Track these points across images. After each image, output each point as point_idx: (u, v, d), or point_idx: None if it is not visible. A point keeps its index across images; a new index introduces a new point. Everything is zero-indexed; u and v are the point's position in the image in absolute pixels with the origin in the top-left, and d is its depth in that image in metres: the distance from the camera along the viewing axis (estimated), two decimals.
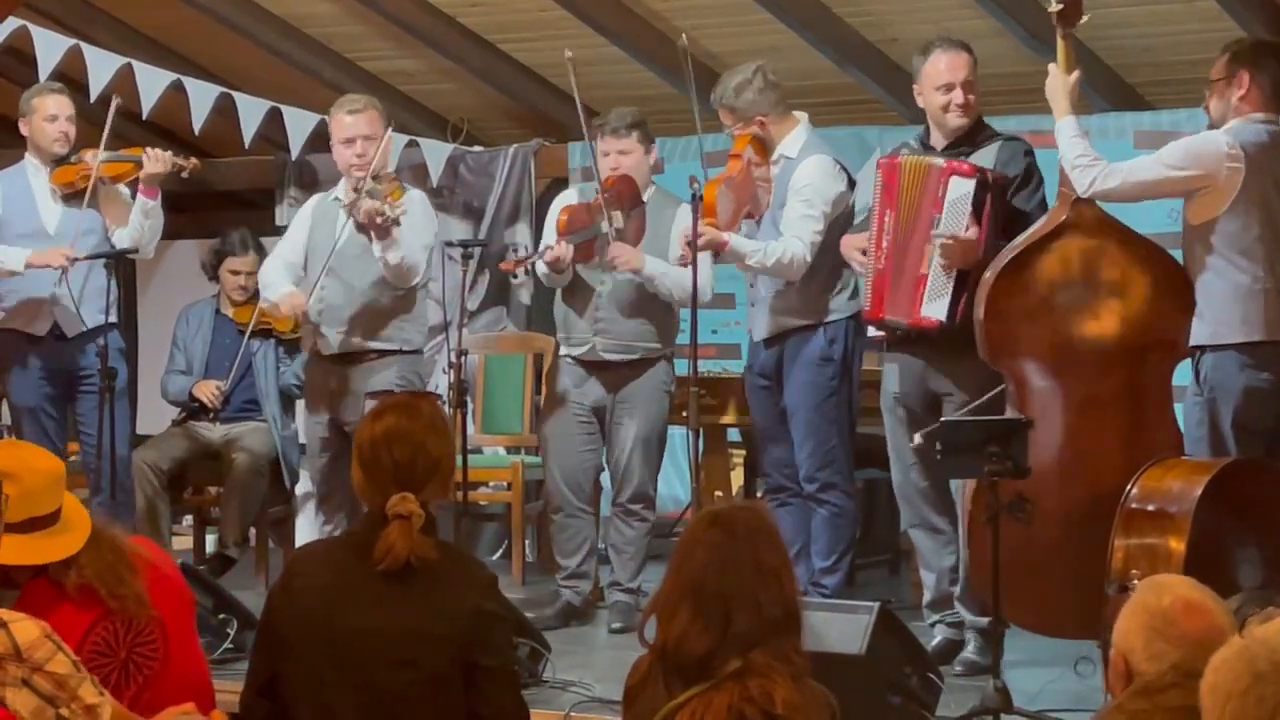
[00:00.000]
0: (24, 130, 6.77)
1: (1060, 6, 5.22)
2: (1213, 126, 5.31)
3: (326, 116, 6.69)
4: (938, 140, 5.65)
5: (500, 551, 8.23)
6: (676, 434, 6.78)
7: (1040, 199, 5.55)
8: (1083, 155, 5.19)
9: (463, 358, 6.30)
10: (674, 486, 8.03)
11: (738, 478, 7.71)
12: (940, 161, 5.52)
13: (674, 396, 6.37)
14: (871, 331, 5.81)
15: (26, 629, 3.13)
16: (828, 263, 5.93)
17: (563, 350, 6.43)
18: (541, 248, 6.23)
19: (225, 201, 9.83)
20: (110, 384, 6.47)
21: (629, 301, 6.25)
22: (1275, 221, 5.15)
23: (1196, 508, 4.74)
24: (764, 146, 5.99)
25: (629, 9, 8.01)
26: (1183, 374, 5.38)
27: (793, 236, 5.86)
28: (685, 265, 5.94)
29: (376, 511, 3.57)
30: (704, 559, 3.07)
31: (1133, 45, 7.48)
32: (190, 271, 8.36)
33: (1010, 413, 5.22)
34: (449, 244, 7.02)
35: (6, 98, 8.10)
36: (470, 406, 7.15)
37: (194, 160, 6.84)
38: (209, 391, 7.23)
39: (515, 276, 6.49)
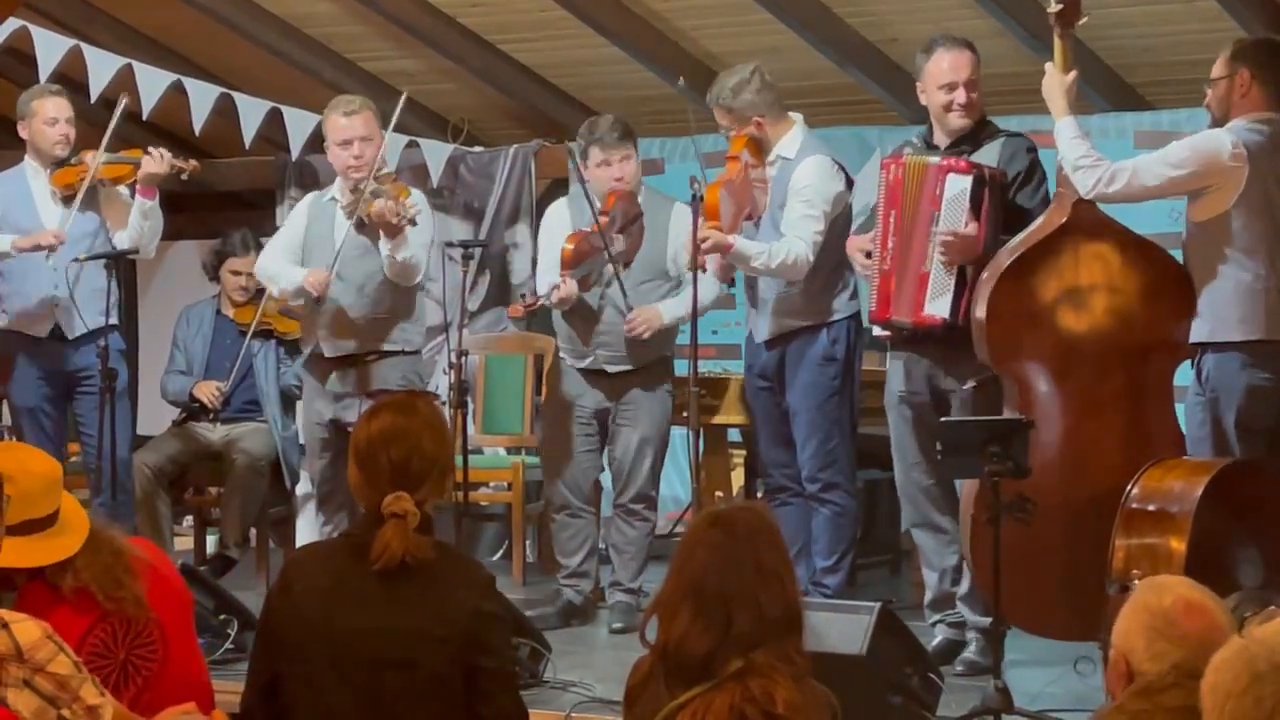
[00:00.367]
0: (23, 133, 6.75)
1: (1059, 7, 5.21)
2: (1215, 125, 5.30)
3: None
4: (941, 139, 5.65)
5: (501, 552, 8.23)
6: (677, 434, 6.78)
7: (1044, 195, 5.55)
8: (1084, 157, 5.18)
9: (463, 358, 6.30)
10: (675, 487, 8.03)
11: (738, 478, 7.71)
12: (936, 159, 5.52)
13: (674, 397, 6.38)
14: (877, 331, 5.82)
15: (28, 630, 3.13)
16: (829, 263, 5.93)
17: (564, 356, 6.43)
18: (548, 288, 6.20)
19: (226, 202, 9.84)
20: (111, 385, 6.47)
21: (624, 321, 6.25)
22: (1277, 220, 5.15)
23: (1197, 508, 4.74)
24: (760, 148, 5.99)
25: (629, 9, 8.01)
26: (1184, 374, 5.38)
27: (795, 237, 5.86)
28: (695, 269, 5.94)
29: (373, 511, 3.57)
30: (705, 559, 3.07)
31: (1133, 45, 7.48)
32: (191, 272, 8.37)
33: (1010, 413, 5.22)
34: (449, 244, 7.01)
35: (6, 98, 8.10)
36: (471, 407, 7.15)
37: (193, 162, 6.84)
38: (209, 392, 7.23)
39: (523, 321, 6.44)
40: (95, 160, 6.63)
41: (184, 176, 6.80)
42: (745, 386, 6.32)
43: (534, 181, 8.95)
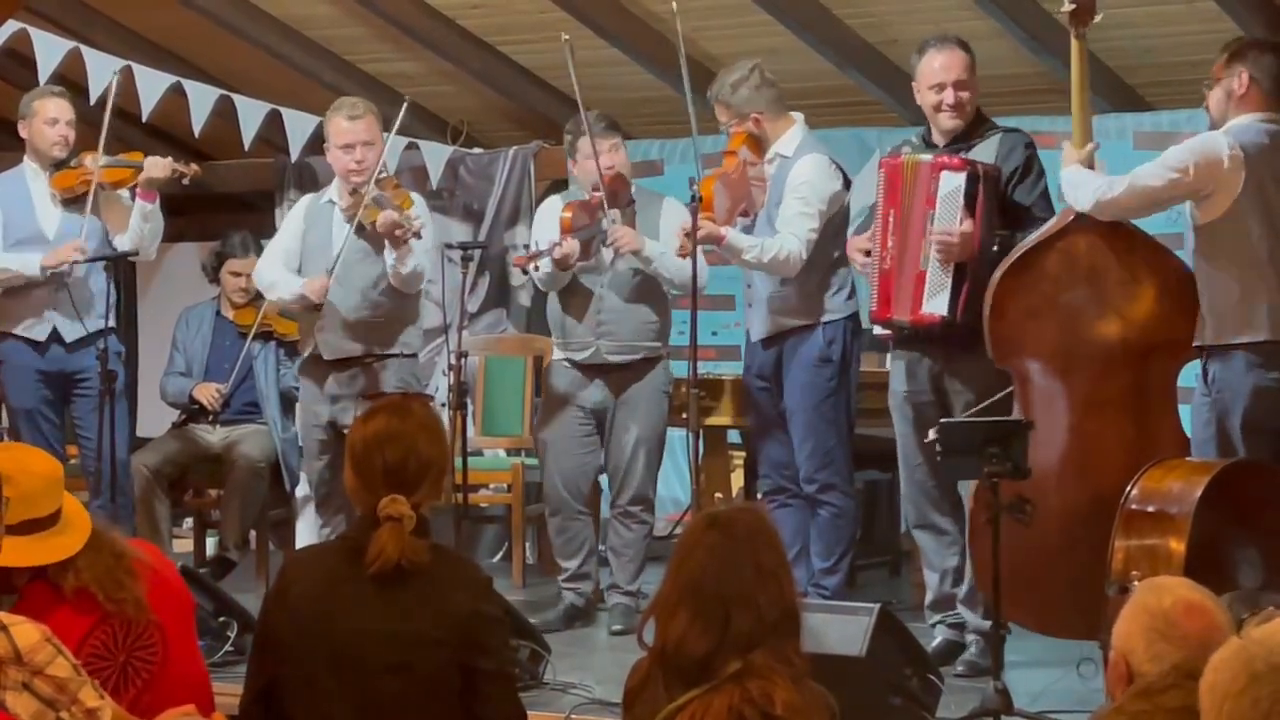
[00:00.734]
0: (23, 133, 6.76)
1: (1072, 6, 5.22)
2: (1213, 126, 5.31)
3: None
4: (939, 137, 5.66)
5: (501, 554, 8.22)
6: (676, 436, 6.77)
7: (1042, 191, 5.56)
8: (1080, 173, 5.23)
9: (463, 360, 6.30)
10: (674, 488, 8.03)
11: (738, 479, 7.70)
12: (930, 157, 5.54)
13: (672, 398, 6.38)
14: (878, 331, 5.82)
15: (27, 632, 3.13)
16: (824, 262, 5.94)
17: (561, 354, 6.43)
18: (549, 244, 6.21)
19: (225, 204, 9.82)
20: (109, 387, 6.47)
21: (629, 301, 6.27)
22: (1276, 221, 5.15)
23: (1196, 509, 4.74)
24: (759, 145, 6.01)
25: (628, 11, 8.01)
26: (1188, 376, 5.37)
27: (789, 233, 5.87)
28: (684, 257, 5.95)
29: (369, 514, 3.57)
30: (703, 561, 3.07)
31: (1133, 46, 7.48)
32: (191, 274, 8.36)
33: (1016, 413, 5.23)
34: (449, 246, 7.01)
35: (6, 100, 8.10)
36: (470, 408, 7.15)
37: (194, 166, 6.84)
38: (208, 394, 7.23)
39: (526, 272, 6.44)
40: (96, 165, 6.63)
41: (185, 181, 6.80)
42: (744, 387, 6.32)
43: (533, 183, 8.94)
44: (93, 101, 7.66)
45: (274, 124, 8.47)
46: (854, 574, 6.27)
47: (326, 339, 6.39)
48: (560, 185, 8.35)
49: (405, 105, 6.54)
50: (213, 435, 7.24)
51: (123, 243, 6.71)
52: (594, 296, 6.30)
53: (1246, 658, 2.29)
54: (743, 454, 7.62)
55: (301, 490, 7.26)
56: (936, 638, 5.66)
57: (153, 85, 8.04)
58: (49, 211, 6.70)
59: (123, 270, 7.47)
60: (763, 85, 6.00)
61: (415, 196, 6.46)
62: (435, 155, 8.86)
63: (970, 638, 5.59)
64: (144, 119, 8.17)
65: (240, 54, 8.82)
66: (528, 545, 7.65)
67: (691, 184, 5.84)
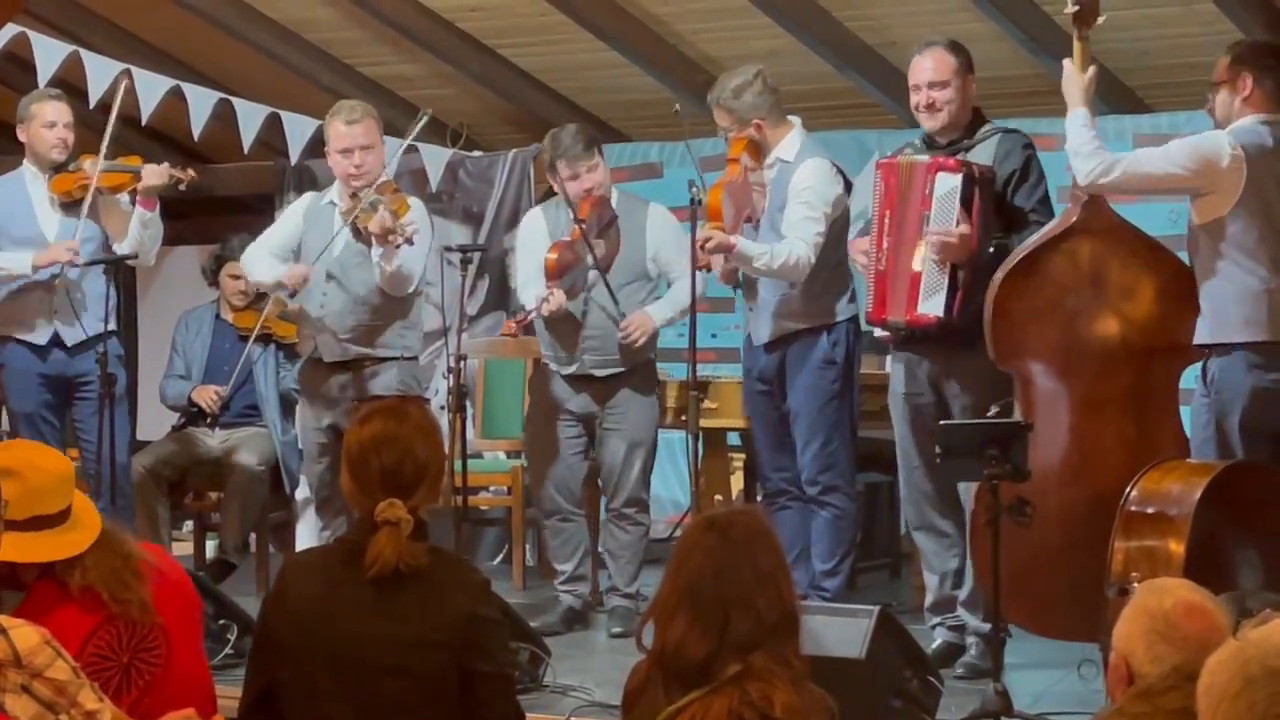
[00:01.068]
0: (22, 137, 6.76)
1: (1076, 8, 5.23)
2: (1217, 128, 5.31)
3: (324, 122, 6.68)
4: (938, 139, 5.66)
5: (500, 556, 8.22)
6: (676, 438, 6.77)
7: (1042, 194, 5.56)
8: (1086, 144, 5.20)
9: (462, 362, 6.30)
10: (674, 490, 8.03)
11: (737, 481, 7.70)
12: (925, 158, 5.54)
13: (659, 400, 6.39)
14: (877, 332, 5.82)
15: (26, 635, 3.13)
16: (828, 265, 5.94)
17: (548, 362, 6.43)
18: (537, 301, 6.20)
19: (225, 207, 9.83)
20: (110, 390, 6.47)
21: (613, 323, 6.27)
22: (1277, 222, 5.15)
23: (1196, 510, 4.74)
24: (758, 150, 6.00)
25: (628, 13, 8.01)
26: (1188, 376, 5.37)
27: (797, 238, 5.87)
28: (700, 269, 5.95)
29: (366, 518, 3.56)
30: (701, 563, 3.07)
31: (1131, 48, 7.48)
32: (190, 277, 8.36)
33: (1017, 414, 5.22)
34: (448, 249, 7.01)
35: (5, 104, 8.10)
36: (470, 411, 7.15)
37: (191, 172, 6.83)
38: (208, 397, 7.22)
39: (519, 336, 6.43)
40: (95, 170, 6.63)
41: (182, 187, 6.78)
42: (744, 390, 6.32)
43: (533, 186, 8.94)
44: (92, 105, 7.66)
45: (273, 127, 8.47)
46: (854, 576, 6.26)
47: (325, 341, 6.39)
48: None
49: (425, 118, 6.54)
50: (212, 438, 7.24)
51: (121, 249, 6.71)
52: (579, 317, 6.29)
53: (1242, 660, 2.29)
54: (742, 456, 7.62)
55: (301, 493, 7.26)
56: (936, 640, 5.66)
57: (152, 88, 8.04)
58: (48, 215, 6.70)
59: (122, 273, 7.46)
60: (765, 91, 6.00)
61: (414, 201, 6.45)
62: (435, 158, 8.85)
63: (970, 640, 5.59)
64: (143, 122, 8.17)
65: (239, 57, 8.83)
66: (527, 548, 7.64)
67: (691, 187, 5.84)
